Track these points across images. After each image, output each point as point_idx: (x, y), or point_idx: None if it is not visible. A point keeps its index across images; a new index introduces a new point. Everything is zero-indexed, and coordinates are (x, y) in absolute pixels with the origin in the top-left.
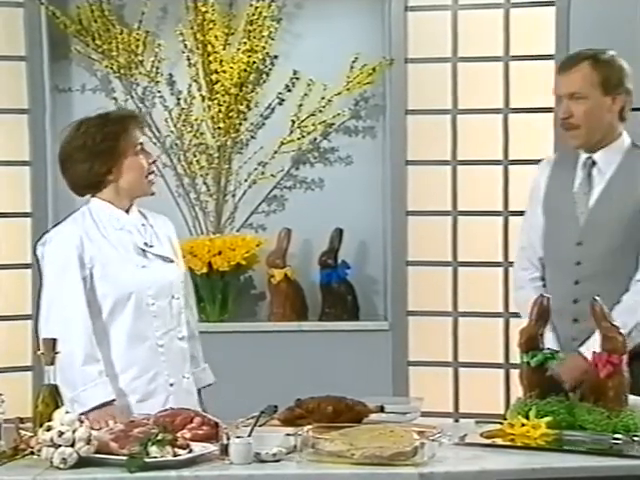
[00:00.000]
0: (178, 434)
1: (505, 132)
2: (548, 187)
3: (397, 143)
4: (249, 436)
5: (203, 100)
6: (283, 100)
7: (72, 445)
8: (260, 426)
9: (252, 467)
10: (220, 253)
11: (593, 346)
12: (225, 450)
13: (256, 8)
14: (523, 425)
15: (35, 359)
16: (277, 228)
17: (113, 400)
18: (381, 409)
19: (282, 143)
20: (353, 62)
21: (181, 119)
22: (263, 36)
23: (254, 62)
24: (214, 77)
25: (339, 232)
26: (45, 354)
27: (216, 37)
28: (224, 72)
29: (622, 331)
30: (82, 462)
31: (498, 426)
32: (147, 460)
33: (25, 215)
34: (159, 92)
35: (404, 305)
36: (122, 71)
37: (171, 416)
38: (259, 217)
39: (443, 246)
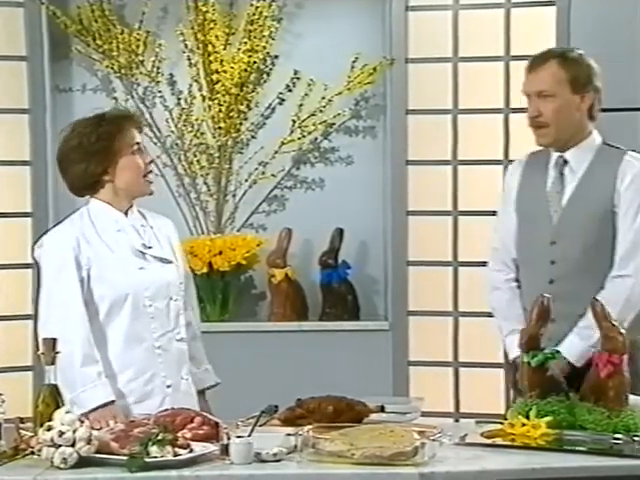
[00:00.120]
0: (178, 434)
1: (506, 132)
2: (520, 187)
3: (398, 143)
4: (249, 436)
5: (204, 100)
6: (284, 100)
7: (73, 445)
8: (261, 426)
9: (252, 467)
10: (220, 253)
11: (571, 347)
12: (225, 450)
13: (257, 8)
14: (523, 425)
15: (35, 359)
16: (278, 228)
17: (113, 401)
18: (381, 409)
19: (283, 143)
20: (354, 62)
21: (182, 119)
22: (264, 36)
23: (255, 62)
24: (215, 77)
25: (339, 232)
26: (45, 354)
27: (217, 37)
28: (225, 72)
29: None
30: (83, 462)
31: (498, 426)
32: (147, 460)
33: (25, 215)
34: (160, 92)
35: (404, 305)
36: (123, 71)
37: (171, 416)
38: (260, 217)
39: (443, 246)
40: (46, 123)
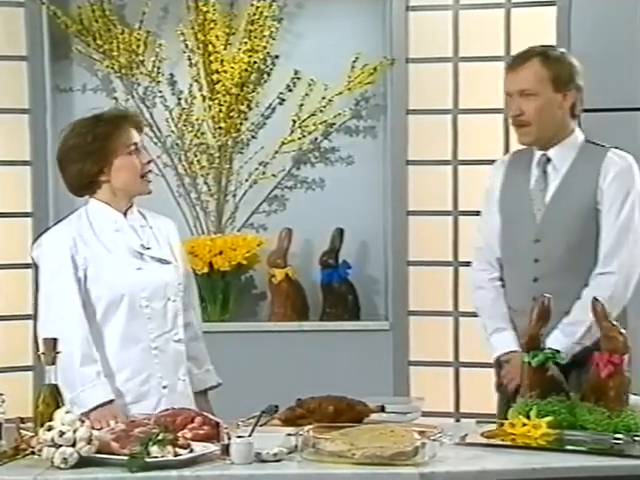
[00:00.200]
0: (179, 434)
1: (506, 132)
2: (504, 186)
3: (398, 143)
4: (250, 436)
5: (204, 100)
6: (284, 100)
7: (73, 445)
8: (261, 426)
9: (253, 467)
10: (221, 253)
11: (554, 344)
12: (226, 450)
13: (257, 8)
14: (524, 425)
15: (36, 359)
16: (278, 228)
17: (112, 400)
18: (382, 409)
19: (283, 143)
20: (354, 62)
21: (182, 119)
22: (264, 36)
23: (255, 62)
24: (215, 77)
25: (340, 232)
26: (46, 354)
27: (217, 37)
28: (225, 72)
29: (582, 327)
30: (83, 462)
31: (499, 426)
32: (148, 460)
33: (26, 215)
34: (160, 92)
35: (405, 305)
36: (123, 71)
37: (172, 416)
38: (260, 217)
39: (444, 246)
40: (46, 123)
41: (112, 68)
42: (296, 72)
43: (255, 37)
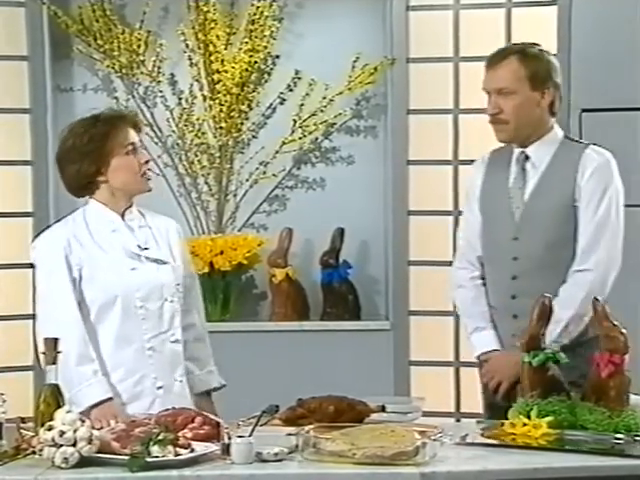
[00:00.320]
0: (179, 434)
1: None
2: (484, 185)
3: (398, 143)
4: (250, 436)
5: (205, 100)
6: (285, 100)
7: (74, 445)
8: (262, 426)
9: (253, 467)
10: (222, 253)
11: None
12: (227, 450)
13: (257, 8)
14: (524, 425)
15: (36, 359)
16: (278, 228)
17: (110, 398)
18: (382, 409)
19: (284, 143)
20: (355, 62)
21: (183, 119)
22: (265, 36)
23: (256, 62)
24: (216, 77)
25: (340, 232)
26: (47, 353)
27: (218, 37)
28: (226, 72)
29: (559, 325)
30: (84, 462)
31: (499, 426)
32: (149, 460)
33: (26, 215)
34: (161, 92)
35: (405, 305)
36: (124, 71)
37: (173, 416)
38: (260, 217)
39: (445, 246)
40: (47, 123)
41: (113, 68)
42: (297, 72)
43: (256, 37)
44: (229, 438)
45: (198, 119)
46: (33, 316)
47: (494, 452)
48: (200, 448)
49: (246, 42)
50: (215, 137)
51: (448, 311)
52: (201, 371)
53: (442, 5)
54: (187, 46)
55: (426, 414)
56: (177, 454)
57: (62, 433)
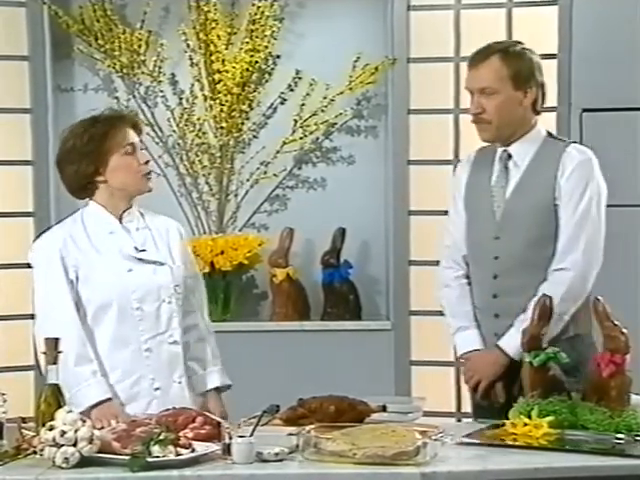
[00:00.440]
0: (180, 433)
1: None
2: (468, 184)
3: (399, 143)
4: (251, 435)
5: (205, 100)
6: (285, 100)
7: (74, 445)
8: (262, 425)
9: (254, 467)
10: (222, 253)
11: (510, 340)
12: (227, 450)
13: (258, 8)
14: (525, 425)
15: (36, 361)
16: (279, 228)
17: (109, 399)
18: (383, 409)
19: (284, 143)
20: (355, 62)
21: (183, 119)
22: (265, 36)
23: (256, 62)
24: (216, 77)
25: (341, 232)
26: (47, 353)
27: (218, 37)
28: (226, 72)
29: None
30: (84, 462)
31: (500, 426)
32: (149, 460)
33: (27, 215)
34: (161, 92)
35: (406, 305)
36: (124, 71)
37: (173, 415)
38: (261, 217)
39: None
40: (48, 123)
41: (113, 68)
42: (297, 72)
43: (256, 37)
44: (230, 438)
45: (199, 119)
46: (33, 316)
47: (495, 452)
48: (201, 448)
49: (247, 42)
50: (216, 137)
51: None
52: (203, 371)
53: (443, 5)
54: (188, 46)
55: (427, 414)
56: (178, 454)
57: (63, 433)
